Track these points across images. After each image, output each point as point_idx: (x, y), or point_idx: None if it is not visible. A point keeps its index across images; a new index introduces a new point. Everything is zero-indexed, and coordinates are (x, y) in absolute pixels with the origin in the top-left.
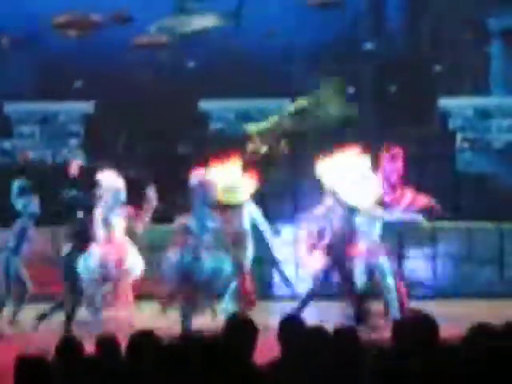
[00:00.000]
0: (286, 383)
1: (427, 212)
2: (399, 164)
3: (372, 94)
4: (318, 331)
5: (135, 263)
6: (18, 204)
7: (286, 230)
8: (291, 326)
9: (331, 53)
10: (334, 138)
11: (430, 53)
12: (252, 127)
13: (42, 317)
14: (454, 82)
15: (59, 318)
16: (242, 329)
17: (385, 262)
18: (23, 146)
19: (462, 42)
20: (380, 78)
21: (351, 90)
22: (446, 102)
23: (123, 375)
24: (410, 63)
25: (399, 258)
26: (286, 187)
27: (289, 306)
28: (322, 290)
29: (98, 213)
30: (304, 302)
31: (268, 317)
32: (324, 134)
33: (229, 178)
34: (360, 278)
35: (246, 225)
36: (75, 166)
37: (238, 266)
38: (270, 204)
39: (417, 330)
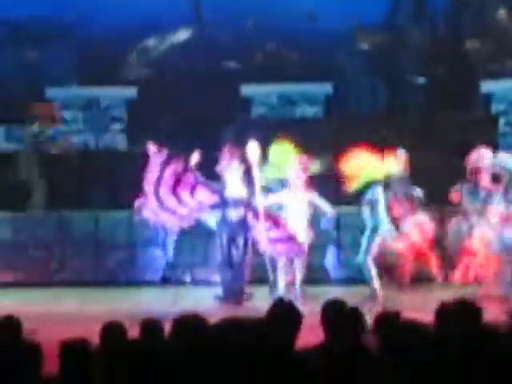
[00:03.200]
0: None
1: None
2: None
3: (413, 78)
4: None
5: None
6: None
7: None
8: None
9: (371, 38)
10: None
11: (472, 36)
12: None
13: None
14: (496, 65)
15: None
16: (286, 314)
17: None
18: (66, 131)
19: (504, 23)
20: (422, 64)
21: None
22: (488, 86)
23: (167, 358)
24: (451, 47)
25: None
26: None
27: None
28: None
29: None
30: None
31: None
32: None
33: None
34: None
35: None
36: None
37: None
38: None
39: (460, 316)
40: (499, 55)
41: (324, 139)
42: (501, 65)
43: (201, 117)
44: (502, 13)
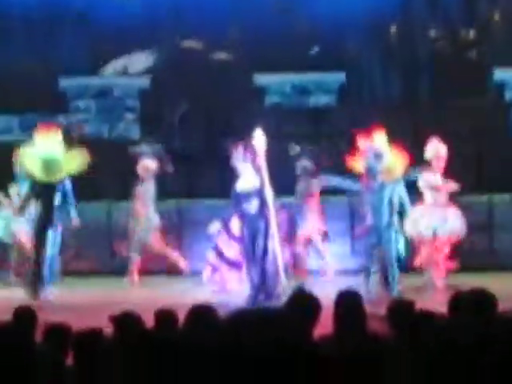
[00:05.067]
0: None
1: None
2: None
3: (426, 66)
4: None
5: None
6: None
7: None
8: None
9: (386, 27)
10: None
11: (484, 24)
12: None
13: None
14: (509, 53)
15: None
16: (304, 303)
17: None
18: (79, 120)
19: None
20: (434, 51)
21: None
22: (501, 74)
23: (181, 347)
24: (464, 35)
25: None
26: None
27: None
28: None
29: None
30: None
31: None
32: None
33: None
34: None
35: None
36: None
37: None
38: None
39: (475, 303)
40: None
41: (337, 128)
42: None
43: (214, 106)
44: None
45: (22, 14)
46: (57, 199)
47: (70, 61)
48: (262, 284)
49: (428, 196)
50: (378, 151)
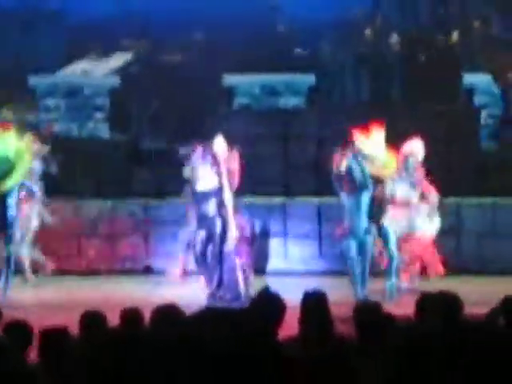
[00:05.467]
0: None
1: None
2: None
3: (399, 70)
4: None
5: None
6: None
7: None
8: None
9: (355, 28)
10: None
11: (458, 32)
12: None
13: None
14: (479, 59)
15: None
16: (269, 304)
17: None
18: (48, 119)
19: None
20: (406, 55)
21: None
22: (470, 78)
23: (147, 346)
24: (433, 39)
25: None
26: None
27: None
28: None
29: None
30: None
31: None
32: None
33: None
34: None
35: None
36: None
37: None
38: None
39: (441, 306)
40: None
41: (307, 129)
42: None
43: (184, 106)
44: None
45: None
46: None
47: (42, 59)
48: (219, 284)
49: (399, 190)
50: (358, 153)
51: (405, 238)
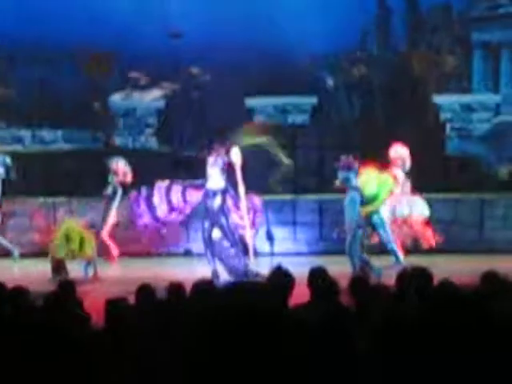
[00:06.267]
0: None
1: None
2: None
3: (381, 95)
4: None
5: None
6: None
7: None
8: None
9: (347, 58)
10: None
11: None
12: None
13: None
14: (444, 83)
15: None
16: (282, 278)
17: None
18: (110, 134)
19: (451, 53)
20: (386, 81)
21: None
22: (438, 99)
23: (188, 315)
24: (410, 69)
25: None
26: None
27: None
28: None
29: None
30: None
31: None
32: None
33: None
34: None
35: None
36: None
37: None
38: None
39: (416, 278)
40: (447, 75)
41: (310, 141)
42: (448, 82)
43: (213, 124)
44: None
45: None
46: None
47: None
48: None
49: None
50: (347, 164)
51: (404, 220)
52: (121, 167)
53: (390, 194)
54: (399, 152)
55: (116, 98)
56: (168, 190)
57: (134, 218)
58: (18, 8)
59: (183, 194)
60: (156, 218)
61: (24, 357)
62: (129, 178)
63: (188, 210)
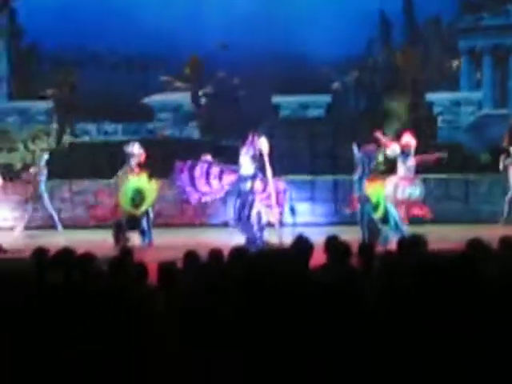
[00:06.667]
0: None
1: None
2: None
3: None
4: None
5: None
6: None
7: None
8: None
9: (353, 63)
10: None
11: (421, 65)
12: None
13: None
14: (436, 82)
15: None
16: (303, 244)
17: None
18: (161, 126)
19: (442, 58)
20: (388, 83)
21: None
22: (431, 96)
23: (226, 277)
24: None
25: None
26: None
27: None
28: None
29: None
30: None
31: None
32: None
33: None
34: None
35: None
36: None
37: None
38: None
39: (412, 243)
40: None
41: (325, 131)
42: (440, 82)
43: (245, 117)
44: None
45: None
46: None
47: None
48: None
49: (401, 169)
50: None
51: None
52: (136, 150)
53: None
54: (408, 140)
55: (157, 97)
56: (209, 167)
57: (177, 184)
58: (86, 24)
59: (220, 175)
60: (195, 187)
61: (91, 320)
62: (143, 158)
63: (222, 189)
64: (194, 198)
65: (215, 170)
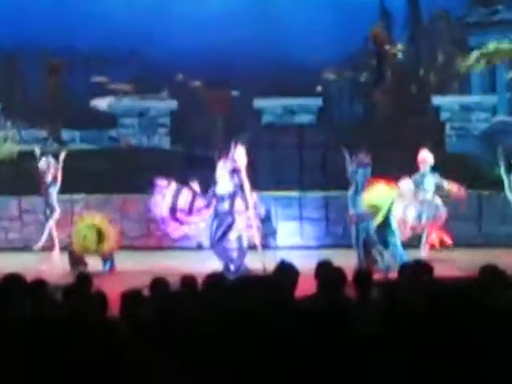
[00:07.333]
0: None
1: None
2: None
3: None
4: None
5: None
6: None
7: None
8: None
9: (352, 63)
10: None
11: (428, 64)
12: None
13: None
14: (445, 84)
15: None
16: (286, 271)
17: None
18: (125, 133)
19: (450, 56)
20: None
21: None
22: (437, 100)
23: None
24: (413, 72)
25: None
26: None
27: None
28: None
29: None
30: None
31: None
32: None
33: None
34: None
35: None
36: None
37: None
38: None
39: (415, 270)
40: (447, 77)
41: (316, 140)
42: (449, 84)
43: (224, 124)
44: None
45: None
46: None
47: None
48: (228, 258)
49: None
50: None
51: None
52: (51, 164)
53: (391, 206)
54: (424, 155)
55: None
56: (193, 199)
57: (153, 212)
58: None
59: (203, 208)
60: (176, 220)
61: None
62: (59, 172)
63: (200, 225)
64: (172, 229)
65: (199, 203)
